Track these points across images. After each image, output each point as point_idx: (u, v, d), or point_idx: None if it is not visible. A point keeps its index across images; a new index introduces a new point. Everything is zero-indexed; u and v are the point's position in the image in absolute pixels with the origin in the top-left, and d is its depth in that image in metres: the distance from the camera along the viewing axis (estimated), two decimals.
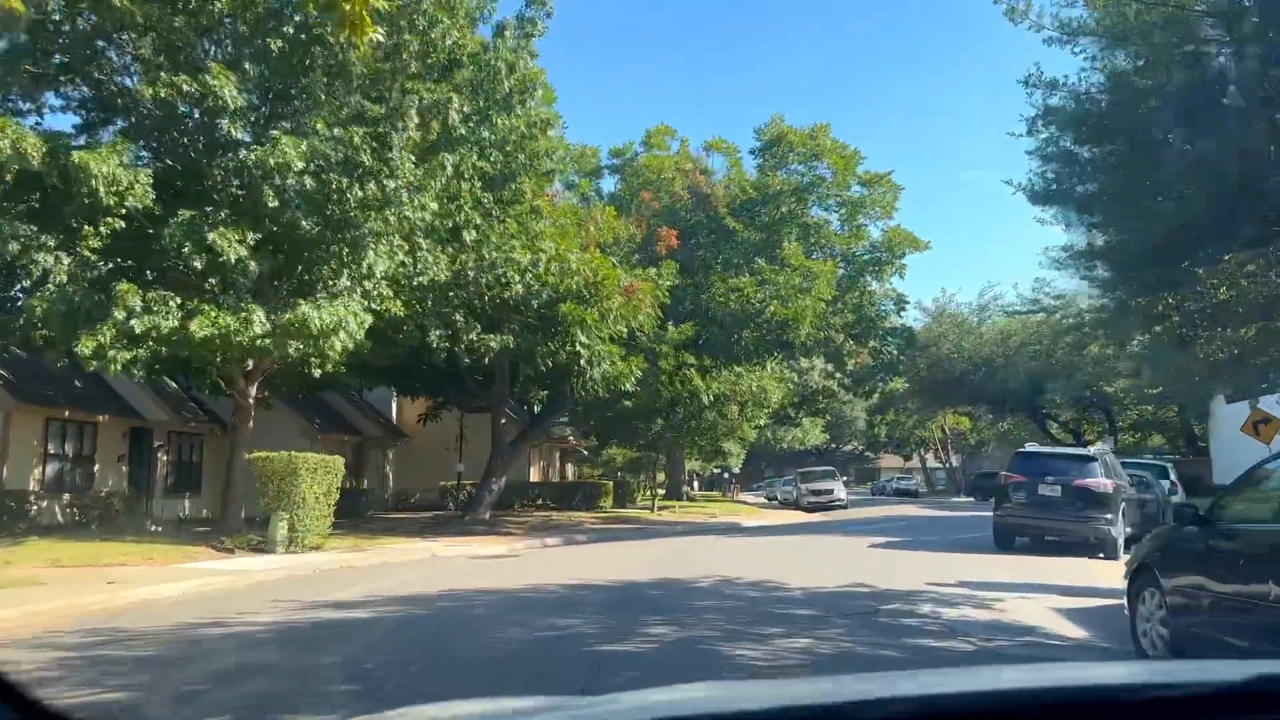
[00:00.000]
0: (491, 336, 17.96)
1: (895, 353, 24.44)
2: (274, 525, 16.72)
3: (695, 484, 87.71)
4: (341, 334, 15.04)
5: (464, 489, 29.90)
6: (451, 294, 18.03)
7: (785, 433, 59.36)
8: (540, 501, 32.58)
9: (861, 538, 18.53)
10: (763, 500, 62.66)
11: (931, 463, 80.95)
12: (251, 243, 14.97)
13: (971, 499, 47.39)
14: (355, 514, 27.47)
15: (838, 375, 34.86)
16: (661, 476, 51.18)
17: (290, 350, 15.17)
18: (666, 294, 22.68)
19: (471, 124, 16.78)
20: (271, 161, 14.47)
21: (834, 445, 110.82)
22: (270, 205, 14.79)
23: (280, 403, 25.75)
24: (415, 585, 11.85)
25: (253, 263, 15.15)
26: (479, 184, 17.99)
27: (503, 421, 25.29)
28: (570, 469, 52.10)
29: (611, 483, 34.23)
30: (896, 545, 16.69)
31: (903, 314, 24.12)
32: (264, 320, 14.68)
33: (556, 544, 20.35)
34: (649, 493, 32.40)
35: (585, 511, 30.28)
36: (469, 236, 17.69)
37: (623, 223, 24.11)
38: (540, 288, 17.89)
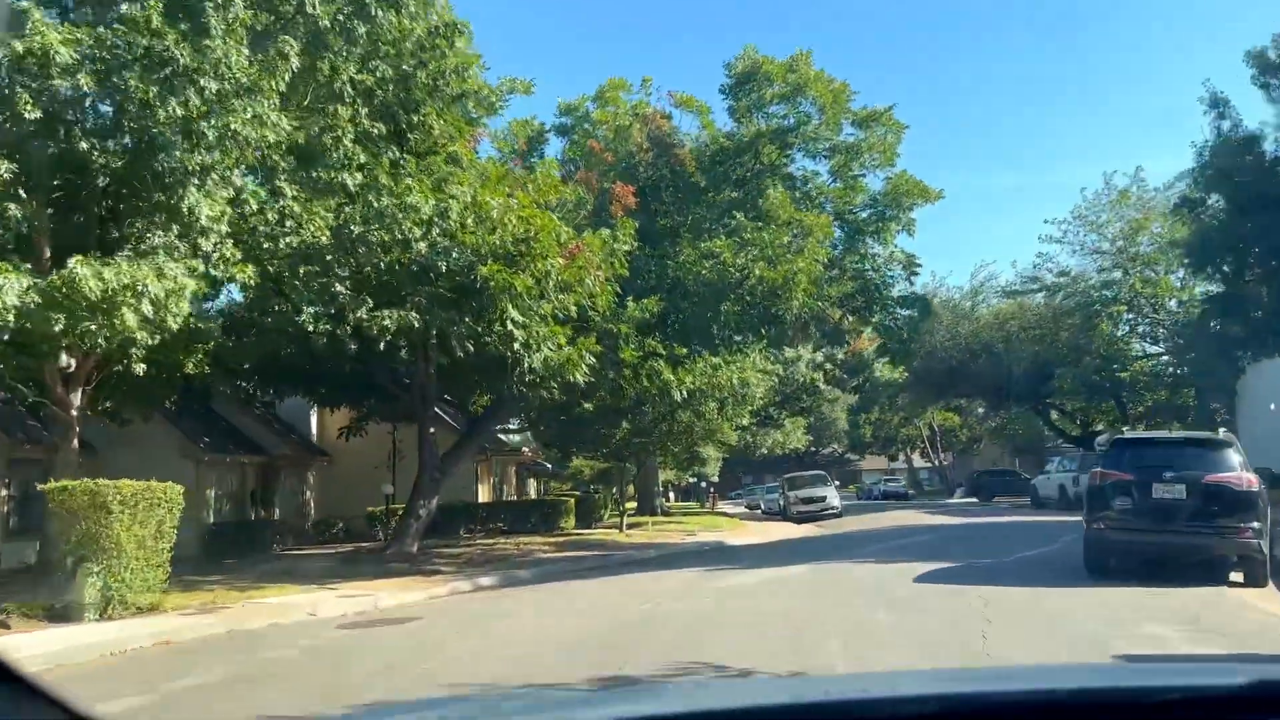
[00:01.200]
0: (386, 313, 13.24)
1: (906, 330, 19.94)
2: (80, 582, 11.91)
3: (671, 495, 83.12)
4: (144, 304, 10.26)
5: (396, 515, 25.08)
6: (331, 258, 13.31)
7: (765, 436, 54.89)
8: (491, 525, 27.78)
9: (892, 564, 13.99)
10: (743, 510, 58.19)
11: (917, 462, 76.88)
12: (6, 175, 10.19)
13: (974, 499, 43.10)
14: (257, 550, 22.57)
15: (828, 366, 30.52)
16: (634, 489, 46.64)
17: (76, 328, 10.37)
18: (624, 262, 18.12)
19: (343, 14, 12.08)
20: (21, 48, 9.71)
21: (814, 448, 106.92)
22: (28, 116, 10.02)
23: (158, 416, 20.87)
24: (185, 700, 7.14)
25: (12, 206, 10.36)
26: (364, 110, 13.32)
27: (432, 431, 20.51)
28: (533, 485, 47.25)
29: (574, 500, 29.45)
30: (957, 578, 11.93)
31: (914, 279, 19.67)
32: (20, 286, 9.87)
33: (491, 586, 15.63)
34: (618, 508, 27.65)
35: (542, 535, 25.52)
36: (351, 181, 13.00)
37: (571, 187, 19.48)
38: (450, 244, 13.22)
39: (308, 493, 28.45)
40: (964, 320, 42.19)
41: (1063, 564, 13.06)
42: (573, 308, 16.57)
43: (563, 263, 14.93)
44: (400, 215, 12.92)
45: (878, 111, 19.46)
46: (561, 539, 24.42)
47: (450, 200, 13.34)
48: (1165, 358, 36.29)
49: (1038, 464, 61.22)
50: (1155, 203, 36.83)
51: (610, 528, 28.67)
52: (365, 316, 13.36)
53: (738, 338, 19.49)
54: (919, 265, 19.73)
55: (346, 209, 13.12)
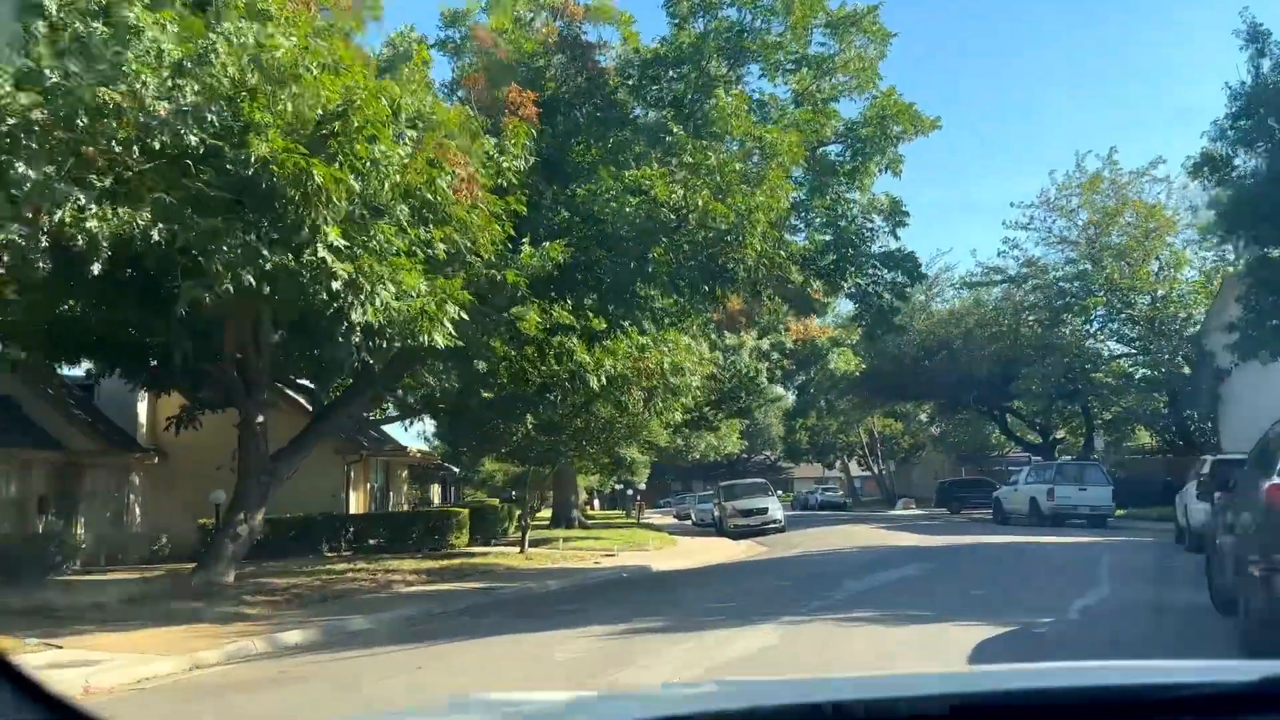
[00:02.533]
0: (96, 211, 8.05)
1: (889, 297, 15.25)
2: None
3: (596, 503, 77.99)
4: None
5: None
6: (39, 128, 8.04)
7: (699, 438, 50.32)
8: (365, 541, 22.45)
9: (903, 625, 9.22)
10: (673, 520, 53.47)
11: (854, 471, 73.28)
12: None
13: (945, 510, 39.02)
14: (35, 574, 16.94)
15: (774, 356, 26.04)
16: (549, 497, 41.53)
17: None
18: (522, 196, 13.18)
19: None
20: None
21: (747, 455, 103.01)
22: None
23: None
24: None
25: None
26: None
27: (261, 421, 15.18)
28: (438, 493, 41.75)
29: (467, 512, 24.19)
30: (1032, 658, 7.11)
31: (900, 232, 14.98)
32: None
33: (298, 647, 10.46)
34: (521, 523, 22.49)
35: (417, 557, 20.31)
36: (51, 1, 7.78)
37: (456, 108, 14.36)
38: (205, 101, 8.08)
39: (131, 499, 22.69)
40: (919, 314, 38.21)
41: (1162, 623, 8.54)
42: (440, 244, 11.55)
43: (410, 163, 9.86)
44: (124, 52, 7.71)
45: (858, 13, 14.81)
46: (443, 562, 19.25)
47: (214, 36, 8.17)
48: (1140, 358, 32.72)
49: (982, 473, 57.99)
50: (1132, 189, 33.33)
51: (513, 544, 23.55)
52: (72, 218, 8.09)
53: (670, 302, 14.67)
54: (906, 214, 15.16)
55: (36, 49, 7.84)
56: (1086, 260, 33.14)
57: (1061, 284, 33.79)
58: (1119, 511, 28.59)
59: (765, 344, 25.33)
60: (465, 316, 11.54)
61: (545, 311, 15.95)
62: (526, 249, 13.09)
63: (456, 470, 45.02)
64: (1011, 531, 24.89)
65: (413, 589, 15.04)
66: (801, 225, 15.17)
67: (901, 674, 2.73)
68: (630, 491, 52.66)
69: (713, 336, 25.32)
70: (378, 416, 23.50)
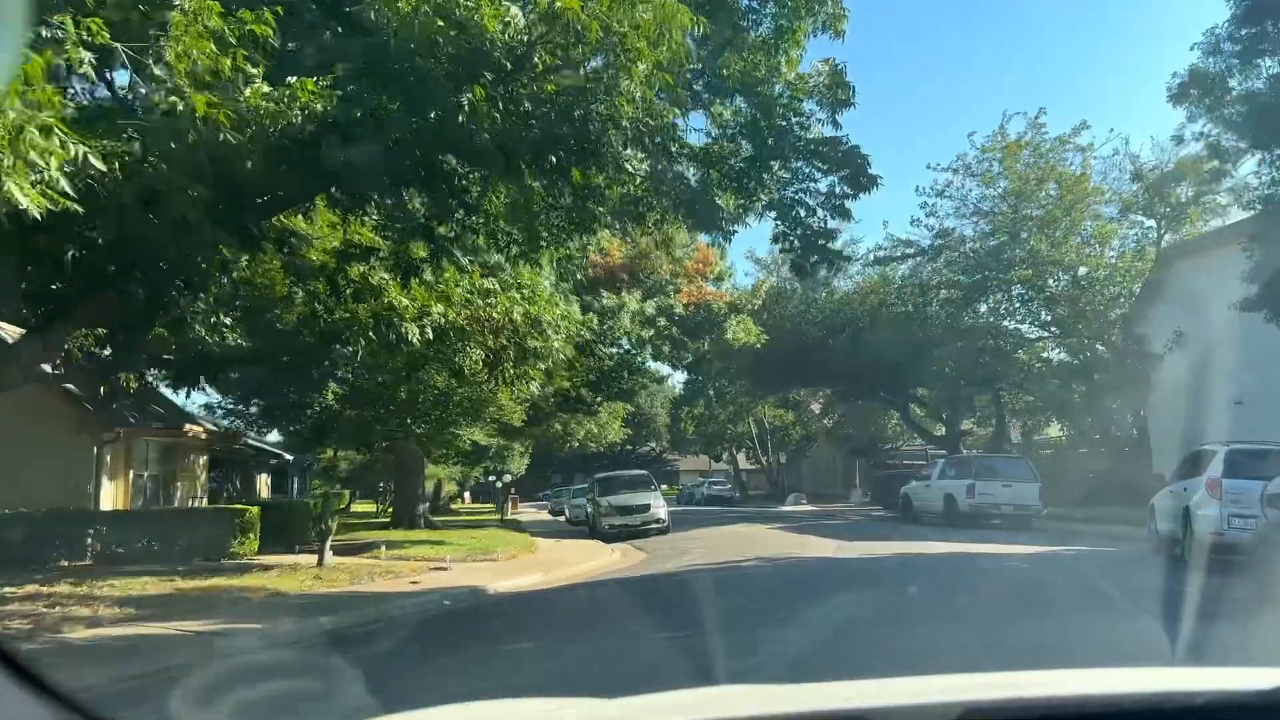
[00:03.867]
0: None
1: (827, 212, 10.66)
2: None
3: (468, 496, 71.94)
4: None
5: None
6: None
7: (577, 426, 45.47)
8: (125, 546, 16.72)
9: None
10: (547, 517, 48.49)
11: (742, 464, 69.80)
12: None
13: (882, 507, 35.28)
14: None
15: (661, 322, 21.44)
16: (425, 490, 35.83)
17: None
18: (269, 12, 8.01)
19: None
20: None
21: (632, 445, 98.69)
22: None
23: None
24: None
25: None
26: None
27: None
28: (266, 486, 35.48)
29: (257, 510, 18.51)
30: None
31: (842, 118, 10.31)
32: None
33: None
34: (322, 527, 17.01)
35: (177, 573, 14.76)
36: None
37: None
38: None
39: None
40: (822, 289, 34.39)
41: None
42: (83, 55, 6.37)
43: None
44: None
45: None
46: (202, 581, 13.76)
47: None
48: (1063, 341, 29.54)
49: (876, 469, 55.12)
50: (1055, 157, 30.19)
51: (312, 551, 18.04)
52: None
53: (503, 198, 9.75)
54: (851, 92, 10.43)
55: None
56: (1005, 233, 29.81)
57: (978, 258, 30.39)
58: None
59: (651, 307, 20.79)
60: (98, 166, 6.29)
61: (337, 223, 10.84)
62: (257, 86, 7.87)
63: (288, 457, 38.81)
64: (932, 535, 20.97)
65: (93, 634, 9.63)
66: (698, 96, 10.39)
67: (913, 679, 2.14)
68: (498, 484, 47.37)
69: (585, 297, 20.55)
70: (131, 386, 17.60)
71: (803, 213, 10.85)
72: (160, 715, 6.02)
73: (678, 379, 47.88)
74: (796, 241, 10.83)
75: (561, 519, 40.17)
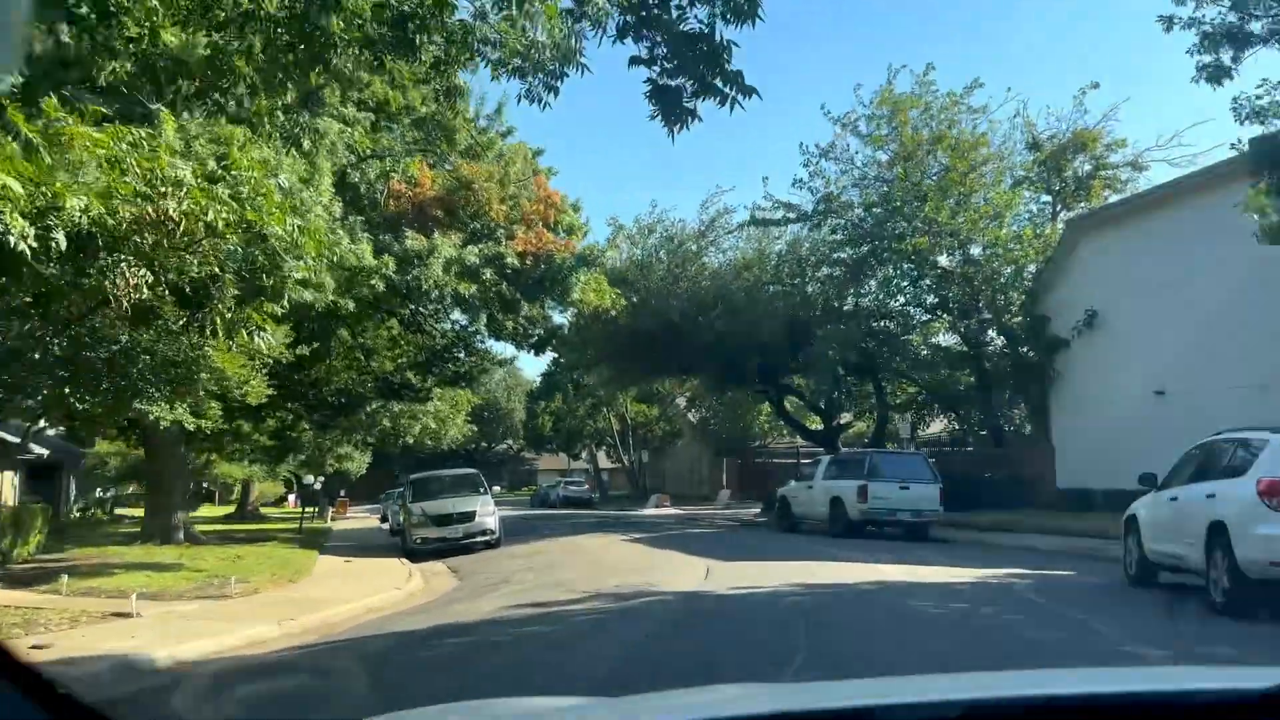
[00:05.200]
0: None
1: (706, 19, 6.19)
2: None
3: (293, 499, 64.46)
4: None
5: None
6: None
7: (410, 420, 39.63)
8: None
9: None
10: (375, 525, 42.30)
11: (603, 462, 65.13)
12: None
13: (754, 511, 30.90)
14: None
15: (486, 275, 16.24)
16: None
17: None
18: None
19: None
20: None
21: (486, 444, 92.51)
22: None
23: None
24: None
25: None
26: None
27: None
28: (9, 481, 28.13)
29: None
30: None
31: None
32: None
33: None
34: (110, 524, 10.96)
35: None
36: None
37: None
38: None
39: None
40: (688, 262, 29.98)
41: None
42: None
43: None
44: None
45: None
46: None
47: None
48: (957, 323, 25.99)
49: (744, 469, 51.51)
50: (947, 117, 26.76)
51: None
52: None
53: None
54: None
55: None
56: (898, 198, 26.14)
57: (865, 227, 26.62)
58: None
59: (473, 255, 15.61)
60: None
61: None
62: None
63: (69, 454, 31.49)
64: (821, 549, 16.69)
65: None
66: None
67: (914, 678, 2.33)
68: (315, 487, 40.92)
69: (382, 236, 15.20)
70: None
71: (673, 14, 6.07)
72: None
73: (534, 370, 42.65)
74: (664, 62, 6.06)
75: (384, 526, 34.37)
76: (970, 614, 9.24)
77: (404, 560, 18.55)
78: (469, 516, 20.02)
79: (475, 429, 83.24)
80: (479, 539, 20.03)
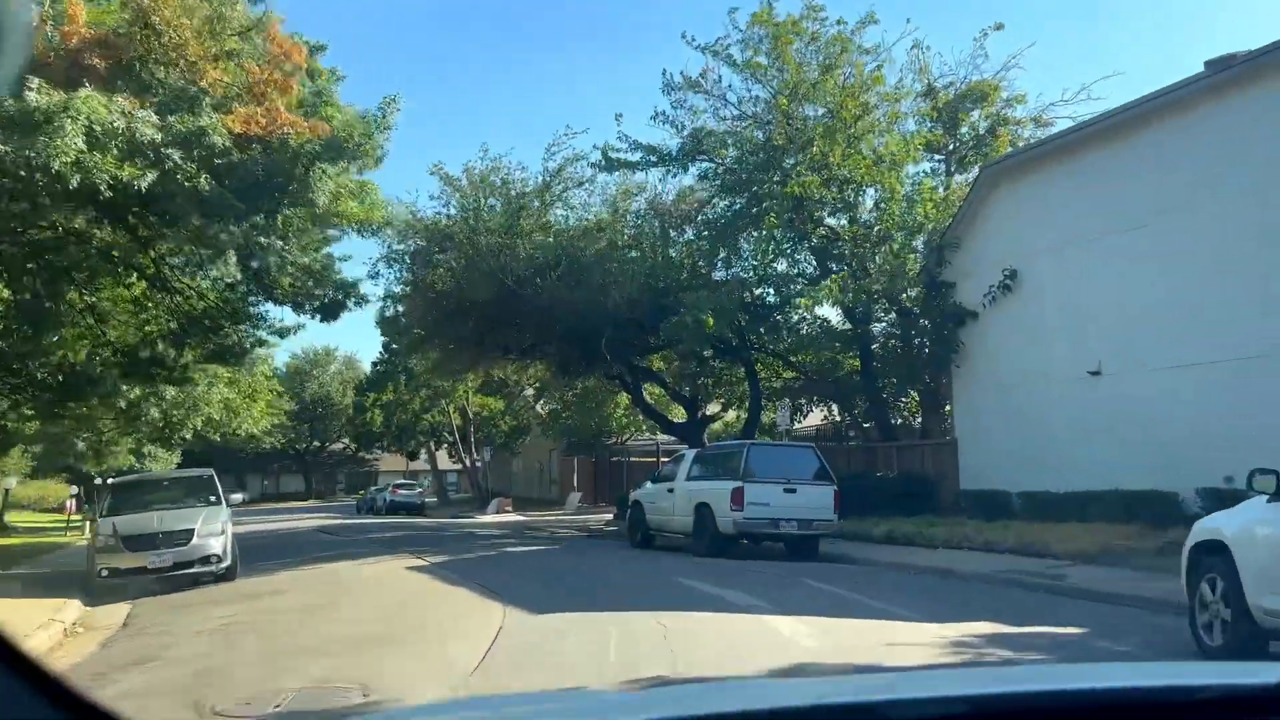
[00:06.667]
0: None
1: None
2: None
3: (71, 504, 55.11)
4: None
5: None
6: None
7: (191, 411, 32.42)
8: None
9: None
10: None
11: (445, 463, 58.57)
12: None
13: (608, 517, 25.38)
14: None
15: (175, 157, 10.23)
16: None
17: None
18: None
19: None
20: None
21: (320, 444, 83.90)
22: None
23: None
24: None
25: None
26: None
27: None
28: None
29: None
30: None
31: None
32: None
33: None
34: None
35: None
36: None
37: None
38: None
39: None
40: (528, 215, 24.43)
41: None
42: None
43: None
44: None
45: None
46: None
47: None
48: (850, 288, 21.34)
49: (598, 468, 46.27)
50: (836, 50, 22.29)
51: None
52: None
53: None
54: None
55: None
56: (782, 135, 21.45)
57: (742, 173, 21.79)
58: None
59: (148, 125, 9.68)
60: None
61: None
62: None
63: None
64: (684, 579, 11.58)
65: None
66: None
67: (916, 673, 2.42)
68: (74, 492, 33.09)
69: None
70: None
71: None
72: None
73: (365, 354, 35.91)
74: None
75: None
76: None
77: (73, 602, 12.20)
78: (184, 537, 13.82)
79: (296, 423, 74.89)
80: (199, 569, 13.90)
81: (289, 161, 10.46)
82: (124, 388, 24.26)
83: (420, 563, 15.36)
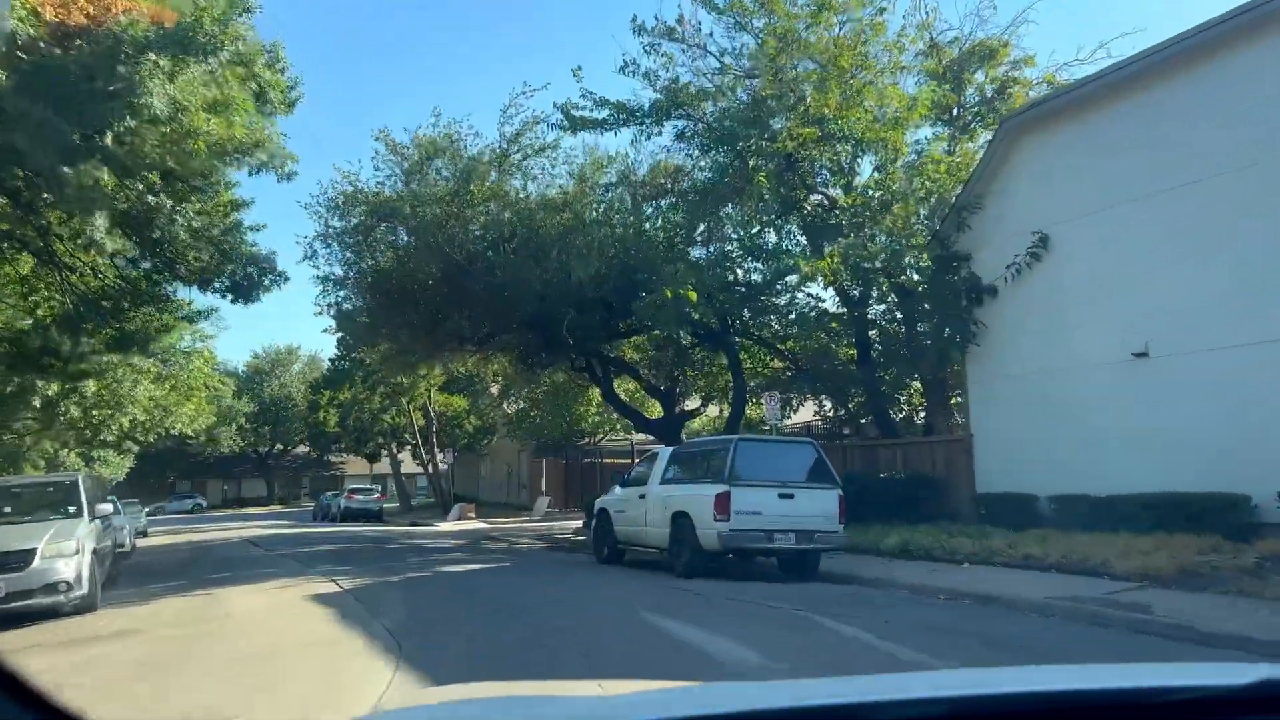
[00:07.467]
0: None
1: None
2: None
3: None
4: None
5: None
6: None
7: (114, 409, 29.20)
8: None
9: None
10: None
11: (410, 466, 55.37)
12: None
13: (579, 529, 22.42)
14: None
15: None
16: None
17: None
18: None
19: None
20: None
21: (282, 447, 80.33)
22: None
23: None
24: None
25: None
26: None
27: None
28: None
29: None
30: None
31: None
32: None
33: None
34: None
35: None
36: None
37: None
38: None
39: None
40: (479, 182, 21.48)
41: None
42: None
43: None
44: None
45: None
46: None
47: None
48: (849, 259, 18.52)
49: (569, 471, 43.29)
50: None
51: None
52: None
53: None
54: None
55: None
56: (770, 88, 18.66)
57: (724, 131, 18.95)
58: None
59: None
60: None
61: None
62: None
63: None
64: (657, 612, 8.77)
65: None
66: None
67: (891, 676, 2.22)
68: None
69: None
70: None
71: None
72: None
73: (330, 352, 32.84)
74: None
75: None
76: None
77: None
78: (21, 560, 10.82)
79: (256, 425, 71.37)
80: (41, 599, 10.89)
81: (108, 55, 7.58)
82: (15, 379, 21.14)
83: (330, 588, 12.40)
